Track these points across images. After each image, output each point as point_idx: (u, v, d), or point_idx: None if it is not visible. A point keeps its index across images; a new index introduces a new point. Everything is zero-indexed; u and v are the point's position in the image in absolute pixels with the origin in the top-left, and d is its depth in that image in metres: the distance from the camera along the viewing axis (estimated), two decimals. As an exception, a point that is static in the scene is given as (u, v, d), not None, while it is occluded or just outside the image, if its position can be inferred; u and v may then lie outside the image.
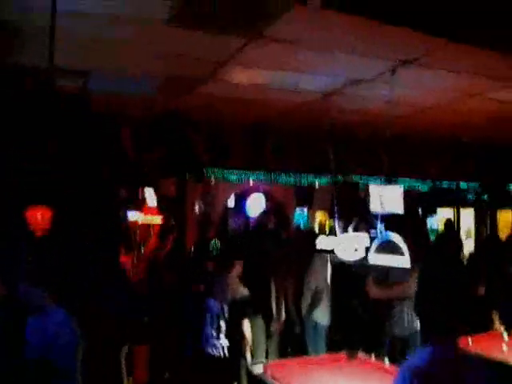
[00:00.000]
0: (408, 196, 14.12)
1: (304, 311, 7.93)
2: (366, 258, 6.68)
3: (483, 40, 5.29)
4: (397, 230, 11.32)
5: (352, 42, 5.72)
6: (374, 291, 7.35)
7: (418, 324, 6.99)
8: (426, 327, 3.57)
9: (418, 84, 7.49)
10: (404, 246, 6.37)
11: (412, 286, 7.15)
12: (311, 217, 14.23)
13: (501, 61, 6.19)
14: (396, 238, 6.49)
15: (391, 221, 12.32)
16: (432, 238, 14.12)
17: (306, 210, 14.50)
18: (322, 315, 7.94)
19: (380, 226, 7.06)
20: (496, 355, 5.92)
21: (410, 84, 7.42)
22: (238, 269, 6.75)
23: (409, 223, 13.38)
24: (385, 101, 7.52)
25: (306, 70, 6.85)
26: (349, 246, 6.93)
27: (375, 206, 13.74)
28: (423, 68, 6.66)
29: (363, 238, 6.97)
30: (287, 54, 6.19)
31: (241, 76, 7.11)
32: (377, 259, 6.54)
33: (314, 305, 7.91)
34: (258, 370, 5.72)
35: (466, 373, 3.36)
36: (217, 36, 5.52)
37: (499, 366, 5.68)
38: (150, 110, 8.92)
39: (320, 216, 13.80)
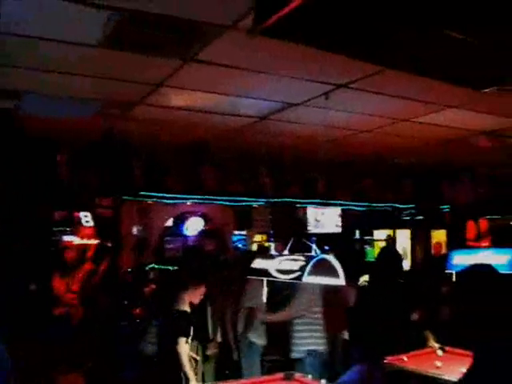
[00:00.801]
0: (345, 217, 14.42)
1: (239, 331, 7.91)
2: (300, 278, 6.71)
3: (415, 67, 5.40)
4: (333, 250, 11.47)
5: (285, 67, 5.79)
6: (267, 317, 7.54)
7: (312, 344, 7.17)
8: (357, 347, 3.66)
9: (352, 108, 7.63)
10: (338, 267, 6.42)
11: (302, 307, 7.31)
12: (250, 238, 14.31)
13: (432, 86, 6.35)
14: (331, 258, 6.53)
15: (328, 242, 12.48)
16: (369, 258, 14.38)
17: (245, 232, 14.59)
18: (257, 335, 7.93)
19: (315, 247, 7.09)
20: (430, 371, 6.05)
21: (344, 108, 7.54)
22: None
23: (346, 244, 13.62)
24: (319, 124, 7.62)
25: (241, 93, 6.89)
26: (284, 266, 6.95)
27: (313, 228, 13.94)
28: (356, 92, 6.77)
29: (298, 258, 7.00)
30: (222, 78, 6.23)
31: (177, 99, 7.10)
32: (311, 279, 6.57)
33: (248, 324, 7.90)
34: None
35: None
36: (150, 59, 5.51)
37: (433, 381, 5.82)
38: (87, 133, 8.81)
39: (258, 237, 13.89)
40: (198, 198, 11.46)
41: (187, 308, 6.57)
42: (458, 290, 3.11)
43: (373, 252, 15.24)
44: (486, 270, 2.92)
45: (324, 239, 12.99)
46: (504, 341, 2.69)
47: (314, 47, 4.07)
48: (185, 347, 6.37)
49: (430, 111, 7.87)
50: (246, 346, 7.88)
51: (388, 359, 6.48)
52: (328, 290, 7.50)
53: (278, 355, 8.36)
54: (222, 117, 7.94)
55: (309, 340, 7.21)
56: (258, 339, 7.95)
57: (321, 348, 7.34)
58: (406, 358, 6.62)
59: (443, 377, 5.84)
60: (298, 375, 6.05)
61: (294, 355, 7.25)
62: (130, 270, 10.77)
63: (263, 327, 7.98)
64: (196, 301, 6.70)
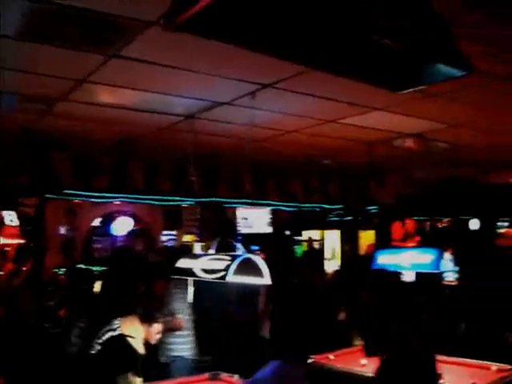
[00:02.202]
0: (275, 218, 14.52)
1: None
2: (225, 277, 6.71)
3: (337, 68, 5.43)
4: (262, 250, 11.52)
5: (210, 65, 5.78)
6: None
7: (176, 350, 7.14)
8: (276, 344, 3.70)
9: (278, 108, 7.66)
10: (264, 267, 6.44)
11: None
12: (179, 238, 14.23)
13: (356, 88, 6.42)
14: (256, 258, 6.55)
15: (256, 242, 12.53)
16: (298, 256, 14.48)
17: (174, 232, 14.49)
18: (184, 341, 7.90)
19: (241, 247, 7.12)
20: (355, 369, 6.12)
21: (271, 107, 7.58)
22: None
23: (275, 244, 13.69)
24: (246, 124, 7.63)
25: (167, 91, 6.84)
26: (208, 266, 6.94)
27: (242, 228, 13.95)
28: (283, 92, 6.81)
29: (223, 258, 7.00)
30: (147, 75, 6.17)
31: (102, 95, 7.00)
32: (236, 279, 6.57)
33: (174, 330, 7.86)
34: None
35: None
36: (72, 53, 5.40)
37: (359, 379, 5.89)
38: (10, 130, 8.57)
39: (188, 237, 13.80)
40: (125, 197, 11.31)
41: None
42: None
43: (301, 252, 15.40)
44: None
45: (254, 239, 13.10)
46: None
47: (231, 45, 4.03)
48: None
49: (356, 113, 7.98)
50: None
51: (314, 358, 6.55)
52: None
53: (207, 355, 8.35)
54: (149, 114, 7.86)
55: (173, 346, 7.14)
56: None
57: (186, 354, 7.35)
58: (332, 357, 6.71)
59: (368, 374, 5.94)
60: (224, 375, 6.03)
61: (162, 359, 7.19)
62: (62, 270, 10.51)
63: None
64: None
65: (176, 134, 8.65)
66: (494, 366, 6.19)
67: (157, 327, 5.62)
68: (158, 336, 5.84)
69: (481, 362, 6.40)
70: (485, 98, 7.28)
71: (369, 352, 3.42)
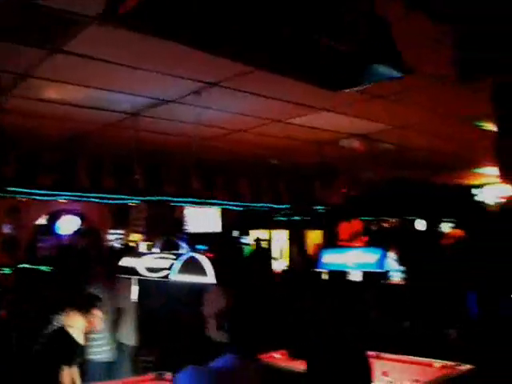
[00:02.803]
0: (223, 217, 14.51)
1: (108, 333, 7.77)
2: (168, 276, 6.68)
3: (284, 68, 5.46)
4: (210, 250, 11.48)
5: (154, 62, 5.74)
6: None
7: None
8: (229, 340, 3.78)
9: (225, 107, 7.64)
10: (208, 266, 6.44)
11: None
12: (126, 237, 14.10)
13: (302, 88, 6.44)
14: (200, 257, 6.54)
15: (204, 242, 12.50)
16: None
17: (121, 231, 14.35)
18: (127, 335, 7.83)
19: (186, 246, 7.08)
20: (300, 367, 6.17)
21: (217, 106, 7.55)
22: None
23: (222, 244, 13.69)
24: (193, 122, 7.59)
25: (112, 87, 6.76)
26: (152, 264, 6.90)
27: (190, 227, 13.89)
28: (229, 91, 6.80)
29: (167, 256, 6.96)
30: (91, 71, 6.06)
31: (45, 91, 6.85)
32: (180, 278, 6.55)
33: (117, 325, 7.79)
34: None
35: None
36: (13, 46, 5.27)
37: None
38: None
39: (136, 236, 13.68)
40: (70, 196, 11.13)
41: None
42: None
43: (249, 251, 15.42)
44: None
45: (202, 239, 13.06)
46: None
47: (171, 41, 4.02)
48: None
49: (303, 113, 8.02)
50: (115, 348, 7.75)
51: (261, 356, 6.59)
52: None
53: (152, 355, 8.31)
54: (95, 111, 7.72)
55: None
56: (128, 340, 7.86)
57: (98, 357, 7.33)
58: (278, 356, 6.76)
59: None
60: (168, 375, 6.01)
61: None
62: (5, 269, 10.27)
63: (133, 328, 7.90)
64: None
65: (121, 132, 8.53)
66: (438, 363, 6.32)
67: (97, 319, 5.98)
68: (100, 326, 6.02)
69: (425, 359, 6.52)
70: (428, 100, 7.42)
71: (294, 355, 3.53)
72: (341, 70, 4.33)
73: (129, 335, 7.86)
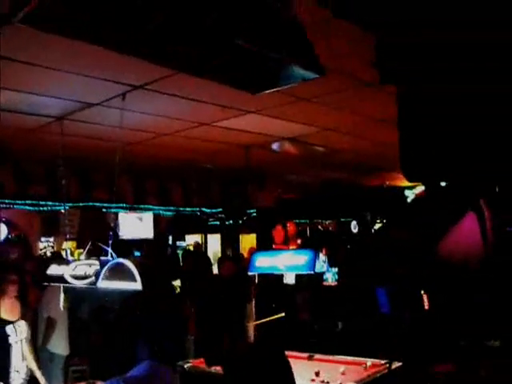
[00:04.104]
0: (156, 223, 14.38)
1: (39, 342, 7.61)
2: (95, 283, 6.59)
3: (202, 71, 5.44)
4: (143, 256, 11.36)
5: (76, 64, 5.65)
6: None
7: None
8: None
9: (150, 110, 7.59)
10: (135, 271, 6.37)
11: None
12: (58, 245, 13.80)
13: (227, 91, 6.44)
14: (127, 262, 6.46)
15: (138, 247, 12.35)
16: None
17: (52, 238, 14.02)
18: (58, 345, 7.68)
19: (113, 253, 6.99)
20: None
21: (142, 109, 7.51)
22: None
23: (155, 250, 13.56)
24: (118, 126, 7.48)
25: (35, 90, 6.63)
26: (78, 271, 6.80)
27: (124, 233, 13.73)
28: (154, 94, 6.76)
29: (93, 263, 6.87)
30: (11, 73, 5.88)
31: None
32: (107, 284, 6.47)
33: (48, 335, 7.63)
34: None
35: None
36: None
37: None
38: None
39: (67, 244, 13.40)
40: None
41: None
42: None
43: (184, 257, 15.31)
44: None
45: (136, 245, 12.90)
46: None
47: (77, 40, 3.96)
48: None
49: (230, 116, 8.02)
50: (46, 358, 7.58)
51: (192, 362, 6.57)
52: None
53: (84, 364, 8.17)
54: (16, 115, 7.54)
55: None
56: (59, 350, 7.71)
57: None
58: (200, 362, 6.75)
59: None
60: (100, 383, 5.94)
61: None
62: None
63: (64, 337, 7.75)
64: None
65: (45, 136, 8.39)
66: (369, 362, 6.41)
67: None
68: None
69: (357, 358, 6.61)
70: (351, 103, 7.54)
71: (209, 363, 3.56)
72: (257, 73, 4.36)
73: (60, 345, 7.71)
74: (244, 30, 4.01)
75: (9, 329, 6.16)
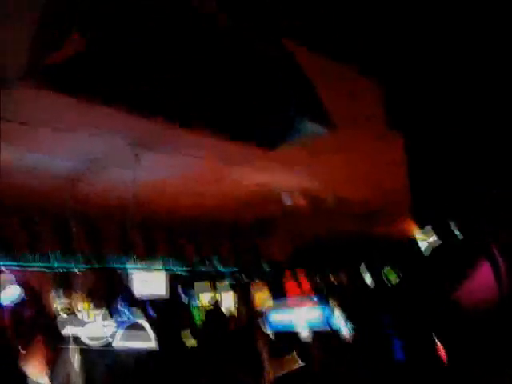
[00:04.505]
0: (170, 281, 14.30)
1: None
2: (111, 343, 6.60)
3: (223, 131, 5.51)
4: (159, 316, 11.29)
5: (84, 125, 5.76)
6: None
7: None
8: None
9: (162, 169, 7.71)
10: (150, 332, 6.38)
11: None
12: (72, 305, 13.73)
13: (241, 148, 6.52)
14: (143, 323, 6.48)
15: (153, 306, 12.30)
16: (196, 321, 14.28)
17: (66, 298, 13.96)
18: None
19: (128, 312, 7.01)
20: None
21: (154, 168, 7.60)
22: None
23: (173, 308, 13.48)
24: (130, 185, 7.54)
25: (44, 150, 6.74)
26: (95, 332, 6.80)
27: (139, 291, 13.67)
28: (165, 153, 6.87)
29: (110, 323, 6.87)
30: (21, 133, 6.03)
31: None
32: (123, 345, 6.47)
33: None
34: None
35: None
36: None
37: None
38: None
39: (81, 304, 13.36)
40: (9, 264, 10.88)
41: None
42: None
43: (199, 315, 15.16)
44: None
45: (149, 303, 12.82)
46: None
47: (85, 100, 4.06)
48: None
49: (241, 171, 8.16)
50: None
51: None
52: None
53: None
54: (27, 175, 7.63)
55: None
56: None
57: None
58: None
59: None
60: None
61: None
62: None
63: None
64: None
65: (57, 195, 8.45)
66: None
67: None
68: None
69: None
70: (361, 153, 7.59)
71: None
72: (267, 128, 4.43)
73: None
74: (254, 89, 4.10)
75: None
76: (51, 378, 6.51)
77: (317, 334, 9.47)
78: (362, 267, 14.52)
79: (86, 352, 7.32)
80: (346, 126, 6.06)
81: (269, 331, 8.90)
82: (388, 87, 5.15)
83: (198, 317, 14.64)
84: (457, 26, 4.28)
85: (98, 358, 7.59)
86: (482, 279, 3.57)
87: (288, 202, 10.17)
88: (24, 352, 6.36)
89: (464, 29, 4.23)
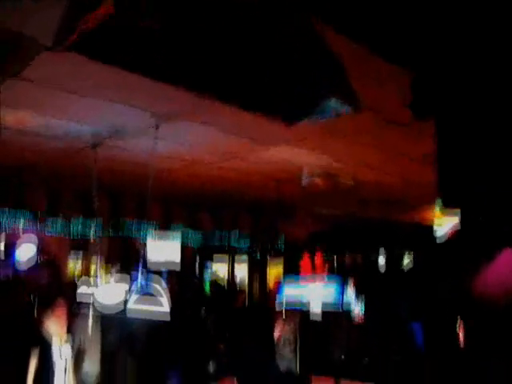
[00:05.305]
0: (184, 251, 14.37)
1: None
2: (125, 306, 6.65)
3: (247, 101, 5.48)
4: (173, 284, 11.38)
5: (112, 91, 5.72)
6: None
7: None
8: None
9: (183, 139, 7.68)
10: (164, 298, 6.41)
11: None
12: (87, 269, 13.84)
13: (261, 122, 6.48)
14: (156, 289, 6.51)
15: (166, 275, 12.38)
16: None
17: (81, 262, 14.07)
18: (89, 372, 7.69)
19: (142, 278, 7.03)
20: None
21: (175, 139, 7.59)
22: None
23: (185, 277, 13.55)
24: (151, 153, 7.53)
25: (69, 117, 6.73)
26: (108, 296, 6.85)
27: (153, 259, 13.75)
28: (187, 123, 6.83)
29: (123, 288, 6.92)
30: (47, 98, 6.02)
31: (1, 117, 6.76)
32: (136, 309, 6.52)
33: (79, 361, 7.64)
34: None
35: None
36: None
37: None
38: None
39: (95, 268, 13.45)
40: (28, 225, 10.97)
41: None
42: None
43: (212, 287, 15.23)
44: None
45: (162, 271, 12.90)
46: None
47: (121, 69, 4.04)
48: None
49: (262, 149, 8.10)
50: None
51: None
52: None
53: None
54: (51, 139, 7.66)
55: None
56: (90, 378, 7.72)
57: None
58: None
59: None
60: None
61: None
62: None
63: (96, 365, 7.75)
64: None
65: (79, 162, 8.47)
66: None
67: None
68: None
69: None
70: (382, 140, 7.55)
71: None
72: (294, 104, 4.41)
73: (92, 372, 7.71)
74: (283, 64, 4.07)
75: (55, 351, 6.22)
76: (69, 340, 6.60)
77: (328, 312, 9.49)
78: (381, 251, 14.55)
79: (102, 315, 7.42)
80: (372, 110, 6.04)
81: (281, 306, 8.91)
82: (417, 74, 5.11)
83: (211, 288, 14.73)
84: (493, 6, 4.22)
85: (113, 321, 7.70)
86: (504, 266, 3.55)
87: (309, 182, 10.14)
88: (43, 314, 6.46)
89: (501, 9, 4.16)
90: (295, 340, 8.46)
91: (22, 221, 10.96)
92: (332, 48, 4.39)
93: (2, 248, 12.94)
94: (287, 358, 8.20)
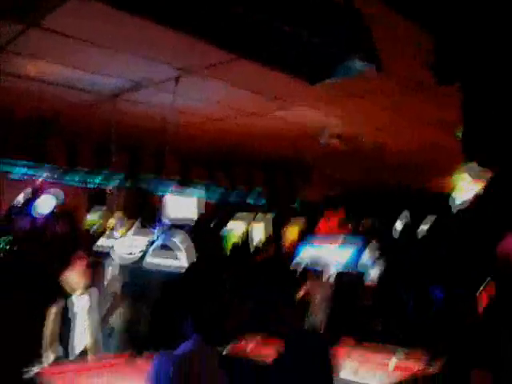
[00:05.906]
0: (200, 207, 14.39)
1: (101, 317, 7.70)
2: (142, 260, 6.67)
3: (270, 59, 5.41)
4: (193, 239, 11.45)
5: (134, 44, 5.69)
6: None
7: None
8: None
9: (203, 95, 7.67)
10: (182, 251, 6.42)
11: None
12: (104, 221, 13.91)
13: (281, 81, 6.41)
14: (174, 243, 6.51)
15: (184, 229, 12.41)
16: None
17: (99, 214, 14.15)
18: (117, 320, 7.79)
19: (159, 230, 7.05)
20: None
21: (195, 94, 7.56)
22: None
23: (199, 235, 13.60)
24: (170, 108, 7.47)
25: (90, 68, 6.69)
26: (126, 248, 6.88)
27: (170, 214, 13.78)
28: (207, 80, 6.82)
29: (141, 241, 6.93)
30: (68, 49, 5.98)
31: (20, 67, 6.71)
32: (153, 262, 6.54)
33: (112, 310, 7.74)
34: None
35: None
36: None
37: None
38: None
39: (112, 221, 13.51)
40: (45, 176, 11.00)
41: None
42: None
43: (229, 244, 15.31)
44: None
45: (178, 227, 12.94)
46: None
47: (148, 20, 3.98)
48: None
49: (281, 107, 8.08)
50: (106, 333, 7.65)
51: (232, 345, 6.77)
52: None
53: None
54: (70, 91, 7.63)
55: None
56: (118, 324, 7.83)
57: None
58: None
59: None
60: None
61: None
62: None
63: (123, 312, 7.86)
64: None
65: (98, 113, 8.49)
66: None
67: None
68: None
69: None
70: (403, 103, 7.49)
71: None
72: (317, 62, 4.35)
73: (118, 319, 7.83)
74: (307, 21, 4.00)
75: (73, 300, 6.33)
76: (87, 292, 6.68)
77: (343, 273, 9.48)
78: (402, 215, 14.48)
79: (120, 267, 7.48)
80: (393, 73, 5.95)
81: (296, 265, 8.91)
82: (441, 35, 5.01)
83: (228, 245, 14.81)
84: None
85: (131, 273, 7.76)
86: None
87: (327, 142, 10.07)
88: (61, 265, 6.54)
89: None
90: (324, 299, 8.51)
91: (41, 173, 10.98)
92: (355, 7, 4.33)
93: (21, 200, 13.04)
94: (314, 317, 8.24)
